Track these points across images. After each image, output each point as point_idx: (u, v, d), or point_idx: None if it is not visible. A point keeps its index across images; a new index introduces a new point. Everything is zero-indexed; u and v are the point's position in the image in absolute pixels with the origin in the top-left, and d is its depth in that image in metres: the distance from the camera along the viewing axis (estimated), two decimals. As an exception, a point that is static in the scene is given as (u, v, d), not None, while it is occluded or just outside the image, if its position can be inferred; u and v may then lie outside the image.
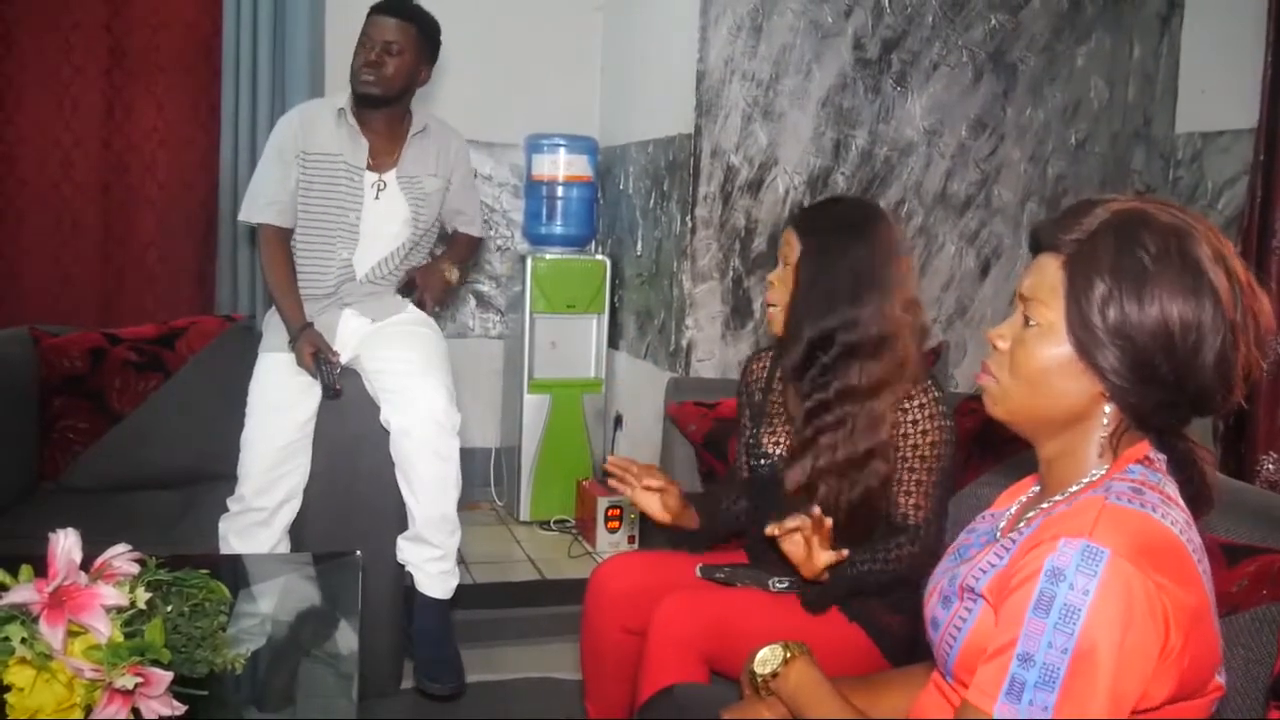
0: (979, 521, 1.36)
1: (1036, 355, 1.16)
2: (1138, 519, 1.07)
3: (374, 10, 2.74)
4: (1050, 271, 1.15)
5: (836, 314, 1.90)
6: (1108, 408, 1.15)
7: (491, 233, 4.10)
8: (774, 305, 2.00)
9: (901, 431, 1.91)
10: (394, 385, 2.59)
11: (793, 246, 1.96)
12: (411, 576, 2.64)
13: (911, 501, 1.91)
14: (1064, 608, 1.01)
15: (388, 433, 2.57)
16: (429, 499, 2.57)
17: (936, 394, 1.92)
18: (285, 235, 2.75)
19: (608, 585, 2.07)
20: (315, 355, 2.58)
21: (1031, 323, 1.17)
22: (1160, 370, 1.09)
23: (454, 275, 2.90)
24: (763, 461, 2.07)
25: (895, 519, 1.92)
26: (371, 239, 2.75)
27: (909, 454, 1.91)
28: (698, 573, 2.03)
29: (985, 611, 1.16)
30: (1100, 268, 1.10)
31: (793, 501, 1.91)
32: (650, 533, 3.42)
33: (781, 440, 2.05)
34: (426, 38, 2.74)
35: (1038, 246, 1.19)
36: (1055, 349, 1.14)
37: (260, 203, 2.74)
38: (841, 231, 1.94)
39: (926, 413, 1.91)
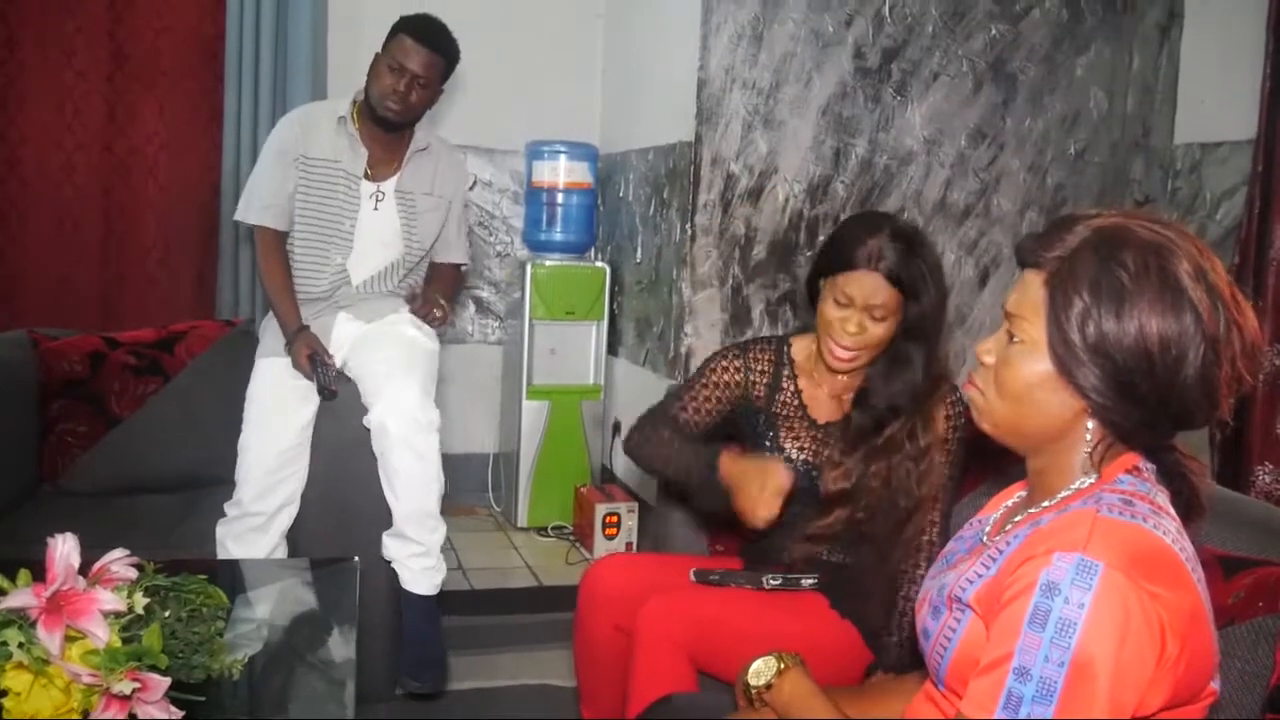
0: (966, 528, 1.37)
1: (1020, 372, 1.16)
2: (1130, 530, 1.08)
3: (406, 33, 2.64)
4: (1033, 288, 1.15)
5: (923, 350, 1.93)
6: (1090, 423, 1.15)
7: (491, 239, 4.11)
8: (857, 353, 1.93)
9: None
10: (372, 385, 2.59)
11: (884, 300, 1.88)
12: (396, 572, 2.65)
13: (930, 518, 1.94)
14: (1060, 621, 1.02)
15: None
16: (407, 495, 2.56)
17: (953, 395, 1.96)
18: (281, 238, 2.75)
19: (600, 584, 2.07)
20: (311, 357, 2.58)
21: (1015, 339, 1.17)
22: (1140, 388, 1.09)
23: (444, 312, 2.79)
24: (789, 467, 2.03)
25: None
26: (367, 248, 2.75)
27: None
28: (691, 577, 2.03)
29: (974, 621, 1.16)
30: (1079, 285, 1.10)
31: (829, 508, 1.95)
32: (647, 539, 3.42)
33: (806, 445, 2.03)
34: (450, 66, 2.74)
35: (1023, 262, 1.20)
36: (1038, 366, 1.15)
37: (256, 205, 2.74)
38: (932, 286, 1.91)
39: (950, 409, 1.96)
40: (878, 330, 1.90)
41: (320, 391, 2.58)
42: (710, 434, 2.14)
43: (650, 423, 2.16)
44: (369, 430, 2.57)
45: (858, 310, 1.89)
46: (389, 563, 2.63)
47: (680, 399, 2.15)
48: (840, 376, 2.01)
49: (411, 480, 2.55)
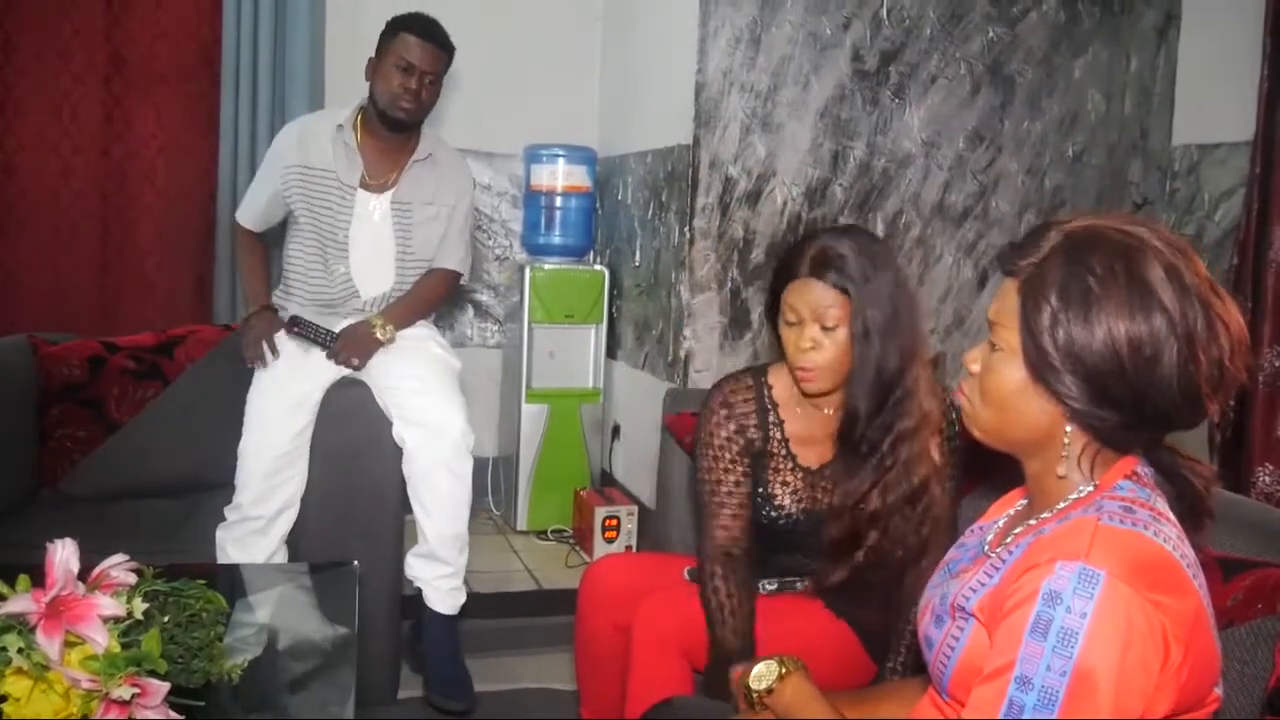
0: (967, 536, 1.37)
1: (1001, 380, 1.18)
2: (1131, 538, 1.07)
3: (409, 32, 2.66)
4: (1010, 296, 1.17)
5: (892, 366, 1.79)
6: (1069, 428, 1.16)
7: (490, 242, 4.11)
8: (818, 370, 1.82)
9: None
10: (409, 403, 2.59)
11: (833, 307, 1.78)
12: (419, 591, 2.66)
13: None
14: (1061, 630, 1.02)
15: (392, 444, 2.57)
16: (444, 517, 2.59)
17: (951, 416, 1.87)
18: (255, 237, 2.90)
19: (601, 583, 2.08)
20: (266, 339, 2.65)
21: (996, 347, 1.18)
22: (1114, 391, 1.10)
23: (387, 333, 2.70)
24: (778, 513, 1.95)
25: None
26: (365, 259, 2.75)
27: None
28: (685, 576, 2.03)
29: (977, 630, 1.16)
30: (1048, 292, 1.11)
31: (836, 551, 1.86)
32: (647, 542, 3.42)
33: (799, 489, 1.94)
34: (450, 60, 2.77)
35: (1002, 270, 1.20)
36: (1016, 373, 1.16)
37: (245, 205, 2.89)
38: (884, 285, 1.79)
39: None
40: (832, 341, 1.80)
41: (289, 326, 2.68)
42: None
43: (708, 571, 1.91)
44: (375, 436, 2.58)
45: (808, 324, 1.80)
46: (400, 576, 2.64)
47: (712, 516, 1.94)
48: (825, 411, 1.92)
49: (448, 503, 2.59)
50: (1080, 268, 1.10)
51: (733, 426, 1.96)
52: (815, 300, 1.79)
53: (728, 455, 1.95)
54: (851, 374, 1.81)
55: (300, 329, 2.66)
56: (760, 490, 1.96)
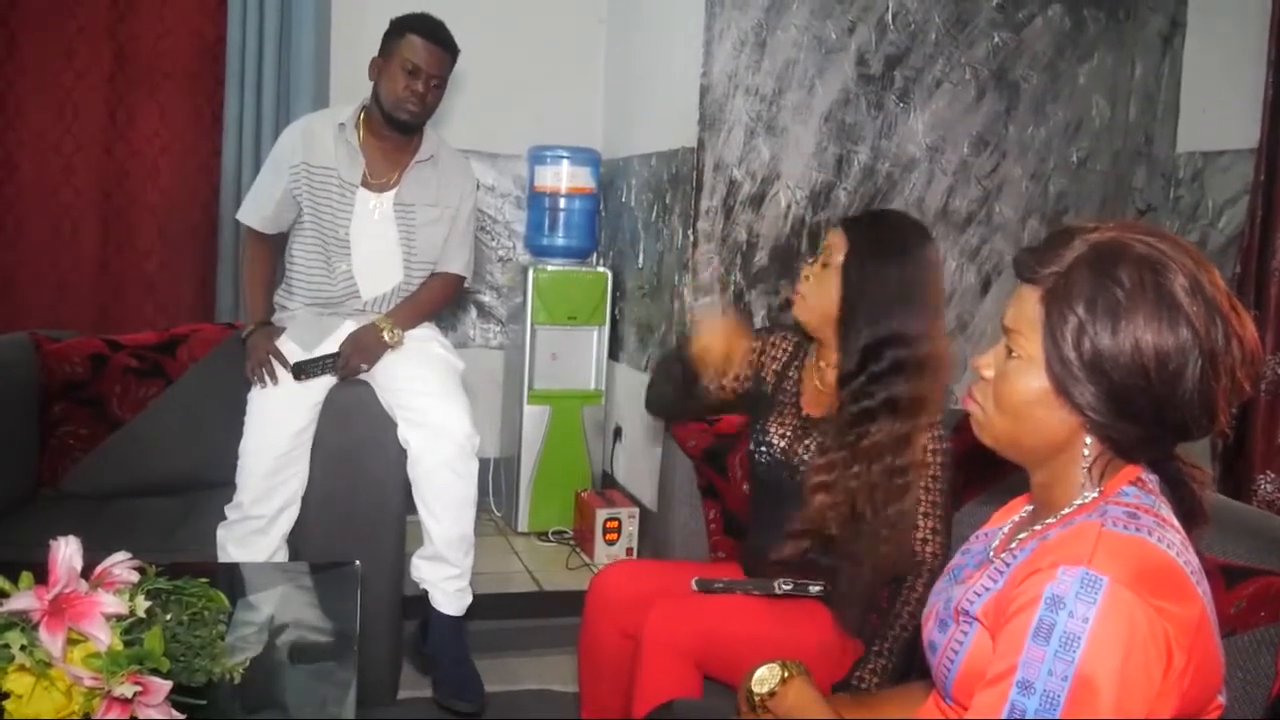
0: (972, 542, 1.36)
1: (1018, 388, 1.16)
2: (1134, 544, 1.07)
3: (416, 34, 2.66)
4: (1030, 304, 1.15)
5: (888, 323, 1.88)
6: (1088, 439, 1.15)
7: (493, 243, 4.11)
8: (804, 298, 2.01)
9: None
10: (413, 404, 2.59)
11: (838, 248, 1.95)
12: (424, 593, 2.66)
13: (920, 535, 1.89)
14: (1064, 635, 1.02)
15: (394, 444, 2.57)
16: (450, 519, 2.59)
17: (939, 417, 1.92)
18: (265, 239, 2.83)
19: (608, 590, 2.08)
20: (269, 355, 2.62)
21: (1014, 354, 1.17)
22: (1137, 404, 1.09)
23: (395, 337, 2.70)
24: (764, 450, 2.06)
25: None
26: (367, 259, 2.74)
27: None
28: (694, 586, 2.02)
29: (981, 634, 1.16)
30: (1075, 302, 1.10)
31: (810, 497, 1.92)
32: (648, 544, 3.42)
33: (788, 433, 2.03)
34: (455, 61, 2.76)
35: (1020, 276, 1.19)
36: (1035, 382, 1.15)
37: (249, 206, 2.83)
38: (892, 243, 1.93)
39: (934, 434, 1.91)
40: (826, 273, 1.96)
41: (295, 375, 2.61)
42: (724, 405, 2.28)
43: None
44: (377, 436, 2.58)
45: (818, 261, 2.00)
46: (402, 576, 2.64)
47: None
48: (828, 368, 2.02)
49: (454, 504, 2.60)
50: (1108, 280, 1.09)
51: (753, 349, 2.18)
52: (829, 242, 2.00)
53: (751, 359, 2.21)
54: (841, 319, 1.94)
55: (306, 373, 2.61)
56: (759, 429, 2.09)
